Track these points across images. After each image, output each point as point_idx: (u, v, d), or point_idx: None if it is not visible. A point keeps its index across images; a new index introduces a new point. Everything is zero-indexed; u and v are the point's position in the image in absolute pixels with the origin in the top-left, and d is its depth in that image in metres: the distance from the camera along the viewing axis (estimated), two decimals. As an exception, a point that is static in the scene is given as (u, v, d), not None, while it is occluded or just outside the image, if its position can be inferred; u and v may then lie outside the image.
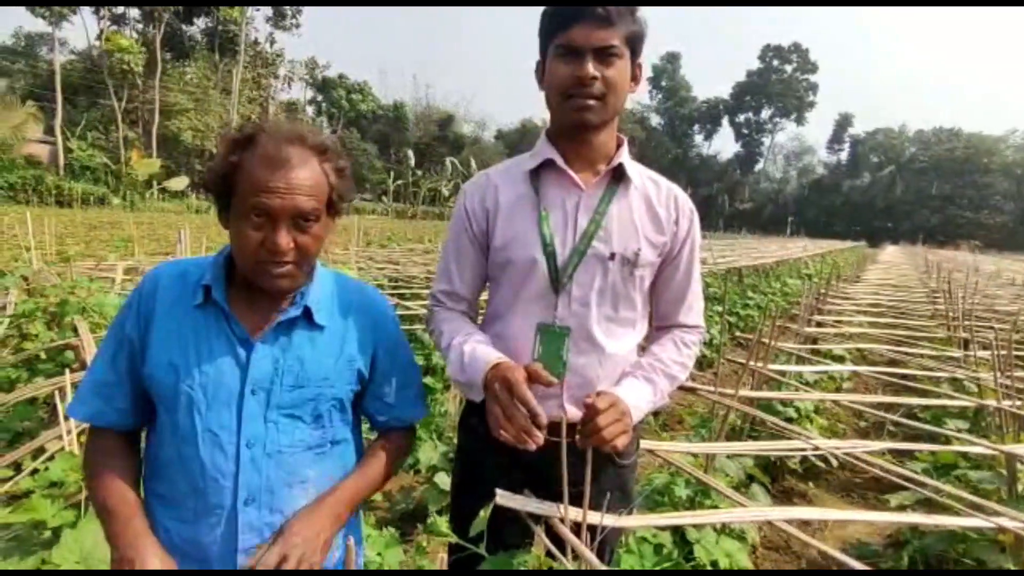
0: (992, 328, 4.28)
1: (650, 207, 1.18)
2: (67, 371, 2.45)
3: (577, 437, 1.04)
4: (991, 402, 2.59)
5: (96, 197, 29.67)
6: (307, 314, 0.98)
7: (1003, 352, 2.88)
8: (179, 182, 24.52)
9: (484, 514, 1.05)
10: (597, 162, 1.17)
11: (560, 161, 1.15)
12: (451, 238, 1.24)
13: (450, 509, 1.39)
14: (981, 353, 3.27)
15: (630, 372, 1.19)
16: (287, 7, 44.93)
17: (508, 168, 1.23)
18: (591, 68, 1.04)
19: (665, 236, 1.19)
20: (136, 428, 1.02)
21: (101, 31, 37.82)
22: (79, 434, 2.14)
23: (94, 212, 24.90)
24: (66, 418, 2.12)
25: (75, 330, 2.86)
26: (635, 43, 1.09)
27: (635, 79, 1.13)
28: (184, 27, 42.27)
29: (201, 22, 43.37)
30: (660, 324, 1.29)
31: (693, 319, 1.27)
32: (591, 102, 1.07)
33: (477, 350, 1.10)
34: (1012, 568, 1.97)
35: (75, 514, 1.72)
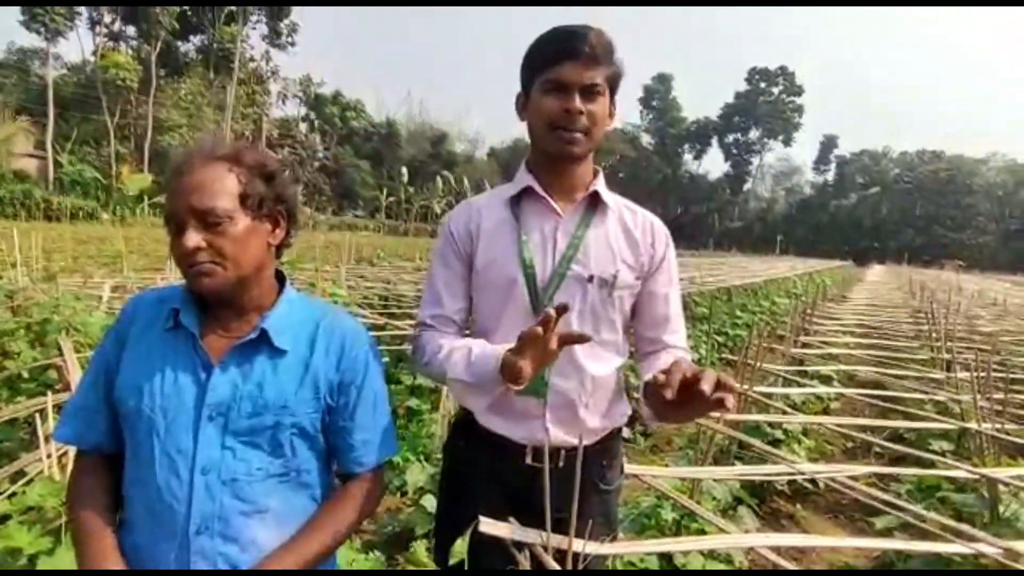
0: (973, 350, 4.34)
1: (627, 231, 1.23)
2: (49, 392, 2.42)
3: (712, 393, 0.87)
4: (972, 425, 2.62)
5: (85, 212, 29.44)
6: (267, 338, 0.97)
7: (983, 374, 2.92)
8: (169, 197, 24.44)
9: (463, 542, 1.05)
10: (575, 190, 1.22)
11: (539, 188, 1.20)
12: (438, 262, 1.26)
13: (435, 533, 1.38)
14: (962, 375, 3.31)
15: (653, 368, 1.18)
16: (283, 26, 45.28)
17: (490, 196, 1.28)
18: (578, 103, 1.10)
19: (643, 258, 1.23)
20: (120, 451, 1.01)
21: (97, 47, 37.94)
22: (59, 457, 2.11)
23: (83, 227, 24.68)
24: (47, 440, 2.10)
25: (59, 349, 2.83)
26: (614, 83, 1.16)
27: (611, 115, 1.19)
28: (180, 44, 42.51)
29: (197, 39, 43.68)
30: (647, 350, 1.31)
31: (680, 341, 1.30)
32: (576, 135, 1.13)
33: (485, 348, 1.11)
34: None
35: (52, 541, 1.69)
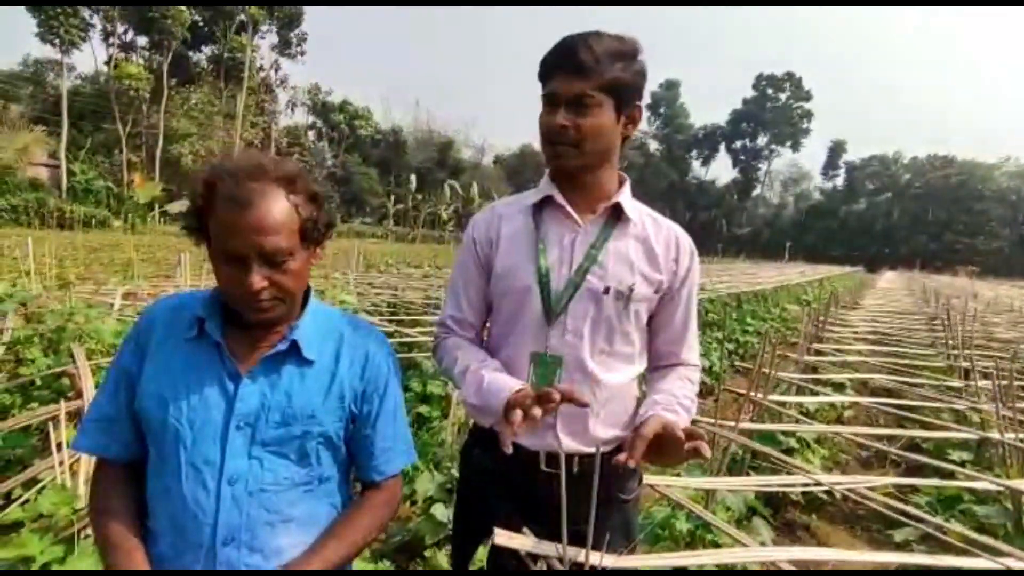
0: (992, 357, 4.26)
1: (647, 245, 1.21)
2: (62, 400, 2.43)
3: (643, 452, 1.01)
4: (994, 435, 2.56)
5: (98, 220, 29.80)
6: (296, 348, 0.97)
7: (1004, 382, 2.86)
8: (180, 205, 24.75)
9: (484, 548, 1.05)
10: (596, 200, 1.20)
11: (559, 198, 1.19)
12: (459, 266, 1.29)
13: (452, 542, 1.39)
14: (982, 383, 3.25)
15: (650, 410, 1.15)
16: (293, 36, 45.78)
17: (513, 202, 1.28)
18: (561, 118, 1.10)
19: (662, 275, 1.20)
20: (142, 459, 1.01)
21: (110, 57, 38.49)
22: (71, 464, 2.12)
23: (95, 235, 24.98)
24: (59, 448, 2.10)
25: (72, 357, 2.84)
26: (620, 89, 1.10)
27: (633, 120, 1.16)
28: (191, 53, 43.07)
29: (208, 49, 44.24)
30: (661, 363, 1.30)
31: (694, 358, 1.29)
32: (563, 148, 1.13)
33: (497, 378, 1.11)
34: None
35: (64, 549, 1.69)
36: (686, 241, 1.25)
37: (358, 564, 2.01)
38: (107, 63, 37.96)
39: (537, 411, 0.95)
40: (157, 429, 0.93)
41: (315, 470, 0.99)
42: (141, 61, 40.11)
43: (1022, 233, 55.96)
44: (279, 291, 0.90)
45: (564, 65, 1.09)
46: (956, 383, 3.97)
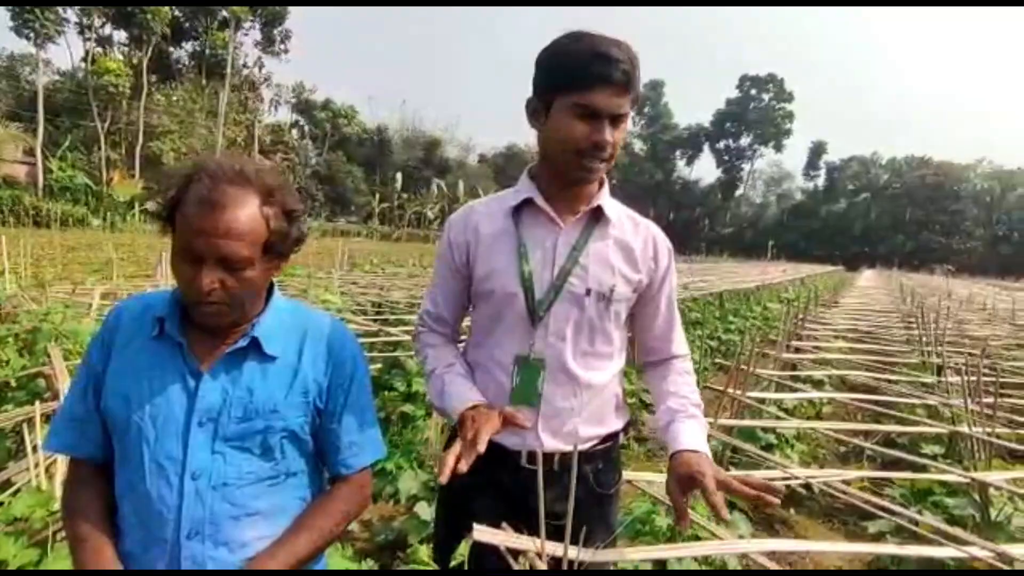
0: (963, 353, 4.38)
1: (626, 245, 1.22)
2: (38, 401, 2.40)
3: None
4: (964, 429, 2.63)
5: (75, 218, 29.21)
6: (257, 345, 0.97)
7: (973, 378, 2.95)
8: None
9: (465, 547, 1.06)
10: (578, 202, 1.20)
11: (540, 200, 1.18)
12: (438, 266, 1.30)
13: (433, 540, 1.42)
14: (953, 379, 3.34)
15: (672, 420, 1.18)
16: (276, 33, 45.25)
17: (491, 203, 1.26)
18: (608, 135, 1.07)
19: (641, 273, 1.23)
20: (113, 458, 1.01)
21: (87, 52, 37.72)
22: (47, 467, 2.09)
23: (73, 233, 24.49)
24: (34, 450, 2.07)
25: (48, 357, 2.80)
26: (637, 105, 1.13)
27: None
28: (172, 50, 42.36)
29: (189, 45, 43.58)
30: (653, 358, 1.33)
31: (684, 348, 1.33)
32: (599, 164, 1.11)
33: (455, 385, 1.17)
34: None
35: (39, 553, 1.67)
36: (663, 239, 1.27)
37: (342, 563, 2.01)
38: (84, 59, 37.19)
39: (480, 444, 1.00)
40: (121, 427, 0.94)
41: (280, 464, 0.99)
42: (120, 57, 39.38)
43: (995, 233, 57.33)
44: (228, 297, 0.90)
45: (609, 79, 1.03)
46: (929, 379, 4.07)
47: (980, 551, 1.51)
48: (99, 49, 38.90)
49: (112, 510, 0.98)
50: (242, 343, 0.96)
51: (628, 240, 1.22)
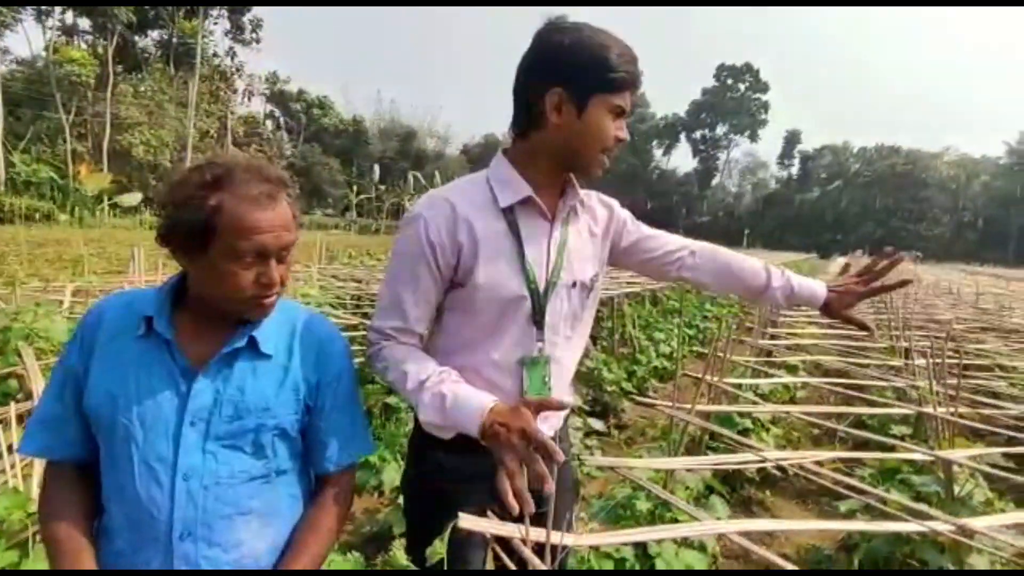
0: (929, 337, 4.54)
1: (593, 229, 1.27)
2: (12, 402, 2.35)
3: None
4: (928, 409, 2.74)
5: (42, 213, 28.24)
6: (253, 343, 0.98)
7: (938, 361, 3.06)
8: (132, 198, 23.68)
9: (441, 544, 1.04)
10: (560, 195, 1.21)
11: (538, 199, 1.15)
12: (404, 270, 1.13)
13: (407, 538, 1.34)
14: (919, 362, 3.46)
15: (788, 279, 1.34)
16: (246, 22, 44.15)
17: (472, 199, 1.14)
18: (625, 132, 1.13)
19: (608, 240, 1.30)
20: (93, 459, 1.00)
21: (48, 41, 36.34)
22: (23, 467, 2.05)
23: (39, 229, 23.69)
24: (9, 451, 2.03)
25: (20, 357, 2.73)
26: None
27: None
28: (137, 38, 41.04)
29: (156, 34, 42.27)
30: (682, 254, 1.36)
31: (694, 243, 1.39)
32: (608, 159, 1.15)
33: (461, 393, 1.03)
34: (951, 568, 2.09)
35: (18, 555, 1.65)
36: (607, 200, 1.32)
37: (329, 555, 2.02)
38: (46, 48, 35.83)
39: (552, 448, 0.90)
40: (107, 427, 0.93)
41: (271, 462, 0.99)
42: (84, 45, 38.06)
43: (961, 220, 59.07)
44: (281, 284, 0.96)
45: (636, 80, 1.09)
46: (897, 362, 4.21)
47: (942, 525, 1.58)
48: (61, 37, 37.52)
49: (94, 512, 0.97)
50: (239, 342, 0.96)
51: (593, 224, 1.27)
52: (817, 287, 1.33)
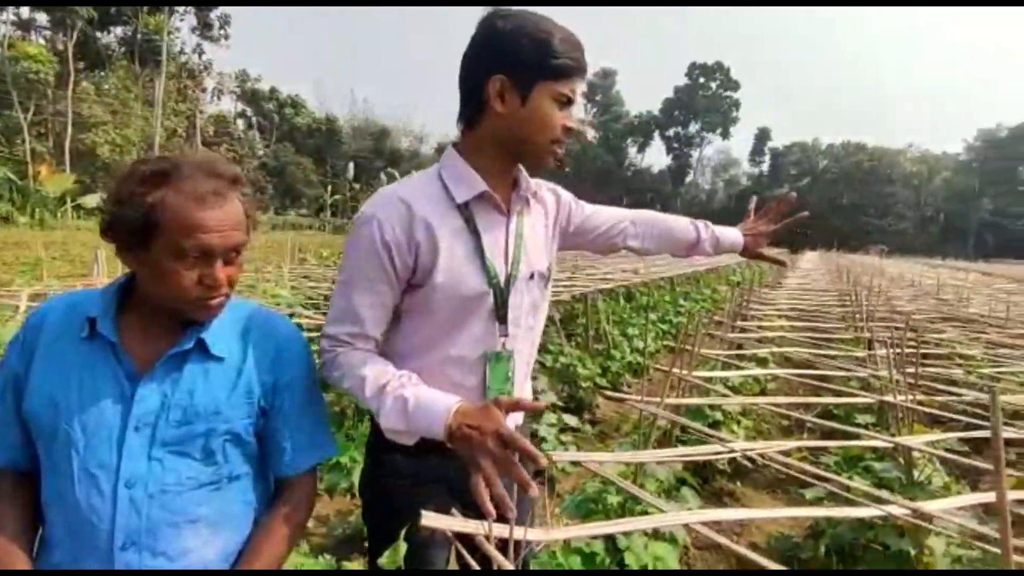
0: (891, 328, 4.67)
1: (545, 219, 1.27)
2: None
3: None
4: (889, 398, 2.82)
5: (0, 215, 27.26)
6: (202, 345, 0.95)
7: (898, 351, 3.15)
8: (95, 199, 22.96)
9: (395, 551, 1.01)
10: (512, 187, 1.20)
11: (495, 194, 1.14)
12: (358, 273, 1.08)
13: (370, 547, 1.27)
14: (881, 352, 3.56)
15: (707, 227, 1.49)
16: (213, 18, 43.18)
17: (428, 195, 1.11)
18: (575, 120, 1.11)
19: (559, 226, 1.31)
20: (34, 467, 0.96)
21: (3, 36, 35.01)
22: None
23: (-4, 232, 22.84)
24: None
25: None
26: None
27: None
28: (99, 34, 39.80)
29: (119, 30, 41.03)
30: (626, 226, 1.41)
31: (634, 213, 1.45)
32: (561, 149, 1.12)
33: (423, 396, 1.00)
34: (910, 550, 2.16)
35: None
36: (552, 187, 1.33)
37: (299, 559, 1.99)
38: (0, 44, 34.50)
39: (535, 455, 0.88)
40: (47, 433, 0.89)
41: (222, 468, 0.96)
42: (42, 41, 36.77)
43: (923, 215, 61.06)
44: (229, 286, 0.93)
45: (583, 68, 1.07)
46: (861, 353, 4.32)
47: (898, 509, 1.63)
48: (17, 32, 36.19)
49: (35, 522, 0.94)
50: (187, 344, 0.93)
51: (544, 214, 1.27)
52: (735, 234, 1.50)
